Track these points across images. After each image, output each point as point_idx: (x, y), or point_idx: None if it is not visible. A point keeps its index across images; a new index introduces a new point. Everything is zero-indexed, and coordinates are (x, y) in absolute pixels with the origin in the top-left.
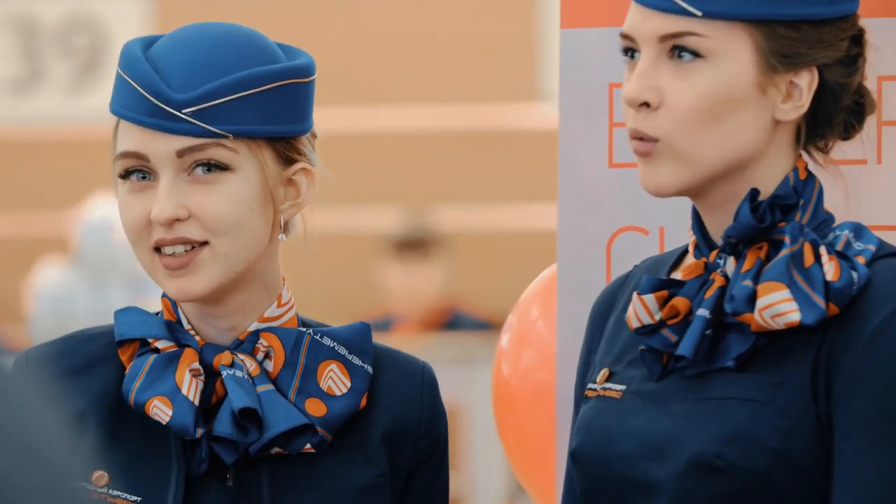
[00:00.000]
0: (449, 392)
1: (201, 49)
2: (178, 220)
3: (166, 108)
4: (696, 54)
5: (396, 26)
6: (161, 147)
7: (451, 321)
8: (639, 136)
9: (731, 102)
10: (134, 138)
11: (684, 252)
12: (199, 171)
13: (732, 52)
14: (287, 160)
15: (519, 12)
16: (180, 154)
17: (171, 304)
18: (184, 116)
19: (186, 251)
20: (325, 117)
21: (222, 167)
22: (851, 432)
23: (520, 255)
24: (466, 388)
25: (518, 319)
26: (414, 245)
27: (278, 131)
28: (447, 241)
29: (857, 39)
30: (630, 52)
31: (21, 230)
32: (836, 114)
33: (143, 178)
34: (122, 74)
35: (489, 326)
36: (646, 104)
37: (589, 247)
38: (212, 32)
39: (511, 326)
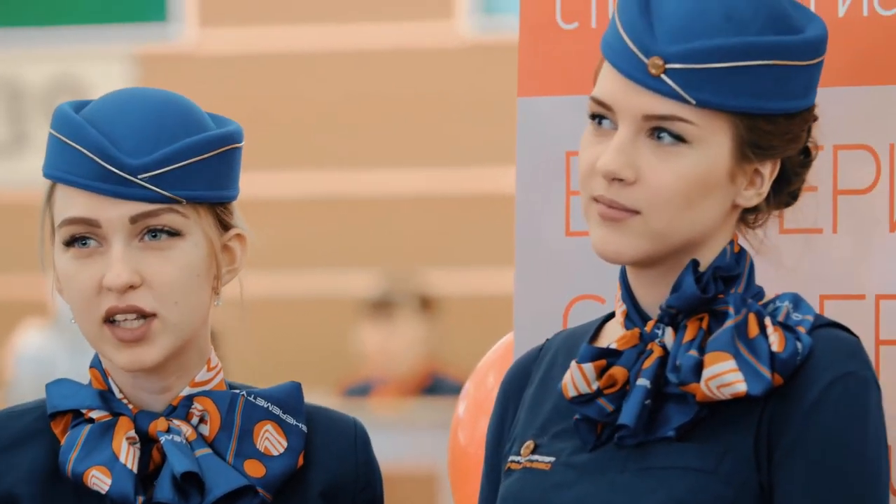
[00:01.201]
0: (428, 457)
1: (147, 114)
2: (131, 287)
3: (120, 173)
4: (679, 139)
5: (375, 88)
6: (113, 212)
7: (432, 385)
8: (612, 205)
9: (705, 188)
10: (82, 204)
11: (602, 324)
12: (150, 237)
13: (714, 140)
14: (224, 226)
15: (502, 76)
16: (133, 220)
17: (101, 373)
18: (139, 182)
19: (140, 323)
20: (304, 181)
21: (173, 233)
22: (791, 501)
23: (501, 319)
24: (446, 453)
25: (475, 387)
26: (392, 308)
27: (222, 196)
28: (427, 304)
29: (810, 129)
30: (599, 118)
31: (2, 294)
32: (782, 197)
33: (85, 244)
34: (63, 139)
35: None
36: (619, 179)
37: (546, 314)
38: (153, 98)
39: (468, 395)
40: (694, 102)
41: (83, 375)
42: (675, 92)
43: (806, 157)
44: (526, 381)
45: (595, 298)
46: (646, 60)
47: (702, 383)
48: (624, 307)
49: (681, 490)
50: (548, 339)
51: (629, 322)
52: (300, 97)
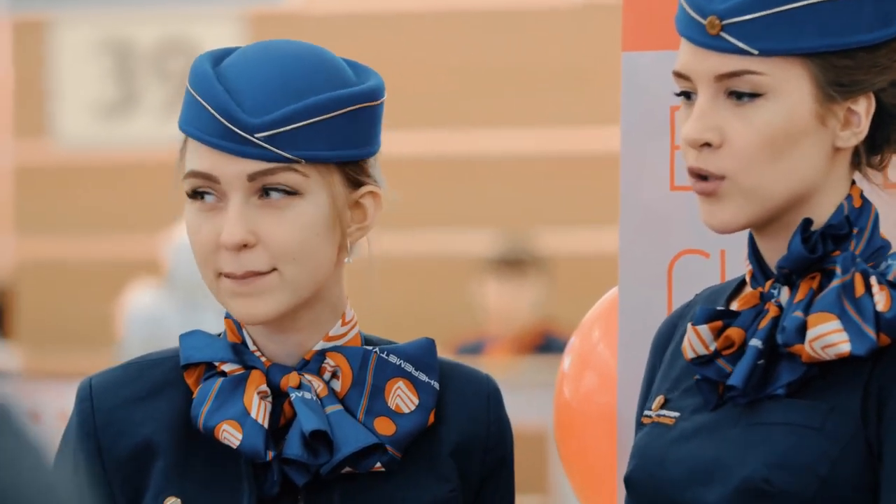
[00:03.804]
0: (538, 416)
1: (274, 70)
2: (245, 245)
3: (238, 131)
4: (754, 93)
5: (492, 51)
6: (232, 169)
7: (544, 344)
8: (701, 175)
9: (792, 137)
10: (204, 159)
11: (743, 282)
12: (269, 195)
13: (790, 86)
14: (355, 183)
15: (609, 36)
16: (251, 178)
17: (235, 324)
18: (256, 141)
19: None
20: (423, 141)
21: (291, 192)
22: None
23: (615, 279)
24: None
25: (580, 342)
26: (510, 266)
27: (348, 155)
28: (543, 263)
29: None
30: (686, 94)
31: (113, 253)
32: (893, 133)
33: (212, 198)
34: (193, 93)
35: None
36: (707, 144)
37: (650, 269)
38: (285, 52)
39: (573, 349)
40: (756, 52)
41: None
42: (736, 47)
43: None
44: (671, 337)
45: (700, 253)
46: (703, 22)
47: (806, 344)
48: (750, 266)
49: (785, 446)
50: (696, 294)
51: (754, 281)
52: (412, 57)
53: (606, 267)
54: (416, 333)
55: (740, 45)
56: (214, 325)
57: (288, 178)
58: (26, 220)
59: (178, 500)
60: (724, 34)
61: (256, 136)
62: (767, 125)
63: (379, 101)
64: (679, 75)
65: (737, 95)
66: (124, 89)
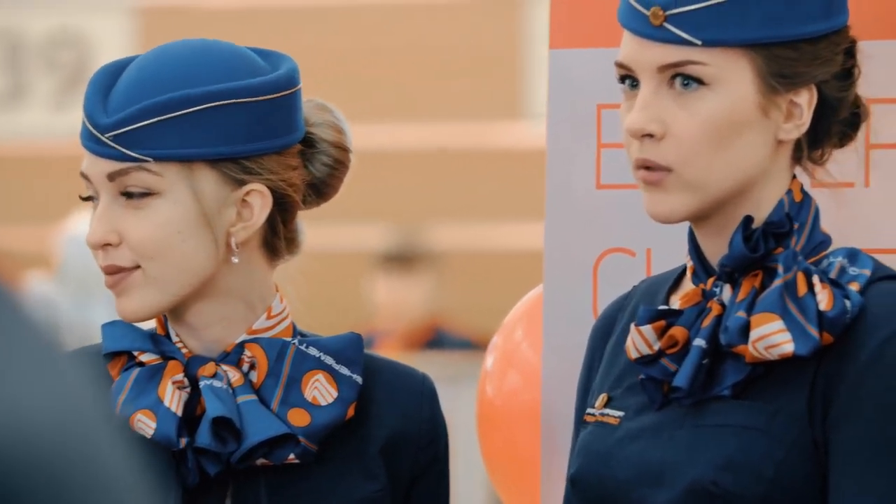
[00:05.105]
0: None
1: (148, 68)
2: (109, 244)
3: (93, 131)
4: (697, 81)
5: (382, 42)
6: (95, 170)
7: (435, 339)
8: (646, 166)
9: (735, 127)
10: (84, 160)
11: (683, 273)
12: (129, 194)
13: (733, 77)
14: (237, 181)
15: (506, 30)
16: (111, 178)
17: (164, 318)
18: (105, 140)
19: (121, 274)
20: None
21: (146, 192)
22: (847, 460)
23: (506, 274)
24: (449, 407)
25: (503, 340)
26: (400, 261)
27: (216, 153)
28: (434, 258)
29: (851, 51)
30: (627, 80)
31: (4, 245)
32: (834, 126)
33: (96, 199)
34: None
35: (473, 346)
36: (649, 135)
37: (575, 268)
38: (172, 51)
39: (496, 347)
40: (700, 43)
41: (86, 327)
42: (679, 37)
43: (843, 80)
44: (610, 331)
45: (625, 252)
46: (647, 12)
47: (749, 345)
48: (692, 263)
49: (731, 448)
50: (634, 286)
51: (696, 278)
52: (308, 50)
53: (500, 262)
54: (304, 327)
55: (683, 35)
56: (105, 318)
57: (139, 178)
58: None
59: None
60: (667, 25)
61: (106, 136)
62: (711, 116)
63: (265, 97)
64: (622, 66)
65: (678, 83)
66: (13, 80)
